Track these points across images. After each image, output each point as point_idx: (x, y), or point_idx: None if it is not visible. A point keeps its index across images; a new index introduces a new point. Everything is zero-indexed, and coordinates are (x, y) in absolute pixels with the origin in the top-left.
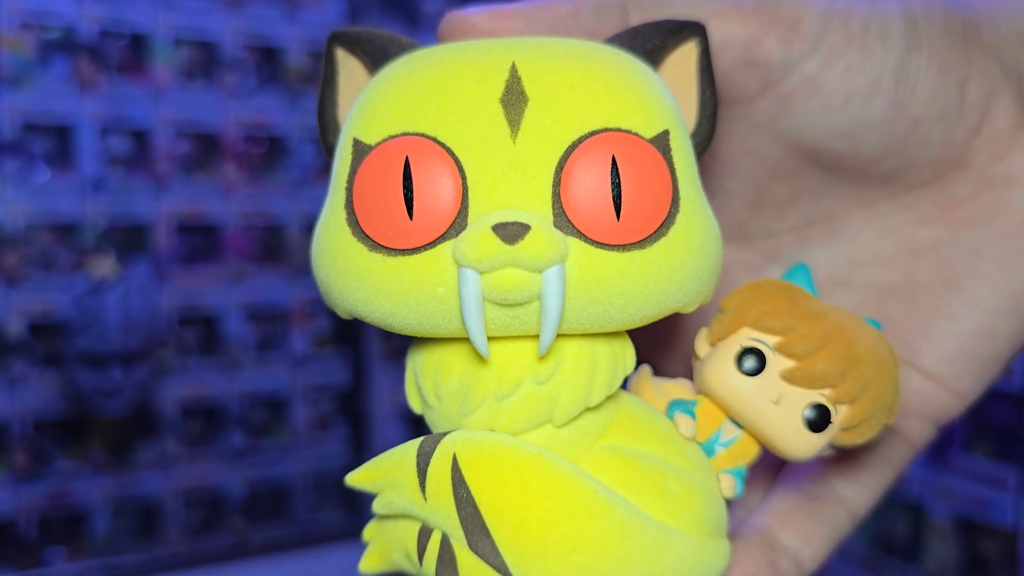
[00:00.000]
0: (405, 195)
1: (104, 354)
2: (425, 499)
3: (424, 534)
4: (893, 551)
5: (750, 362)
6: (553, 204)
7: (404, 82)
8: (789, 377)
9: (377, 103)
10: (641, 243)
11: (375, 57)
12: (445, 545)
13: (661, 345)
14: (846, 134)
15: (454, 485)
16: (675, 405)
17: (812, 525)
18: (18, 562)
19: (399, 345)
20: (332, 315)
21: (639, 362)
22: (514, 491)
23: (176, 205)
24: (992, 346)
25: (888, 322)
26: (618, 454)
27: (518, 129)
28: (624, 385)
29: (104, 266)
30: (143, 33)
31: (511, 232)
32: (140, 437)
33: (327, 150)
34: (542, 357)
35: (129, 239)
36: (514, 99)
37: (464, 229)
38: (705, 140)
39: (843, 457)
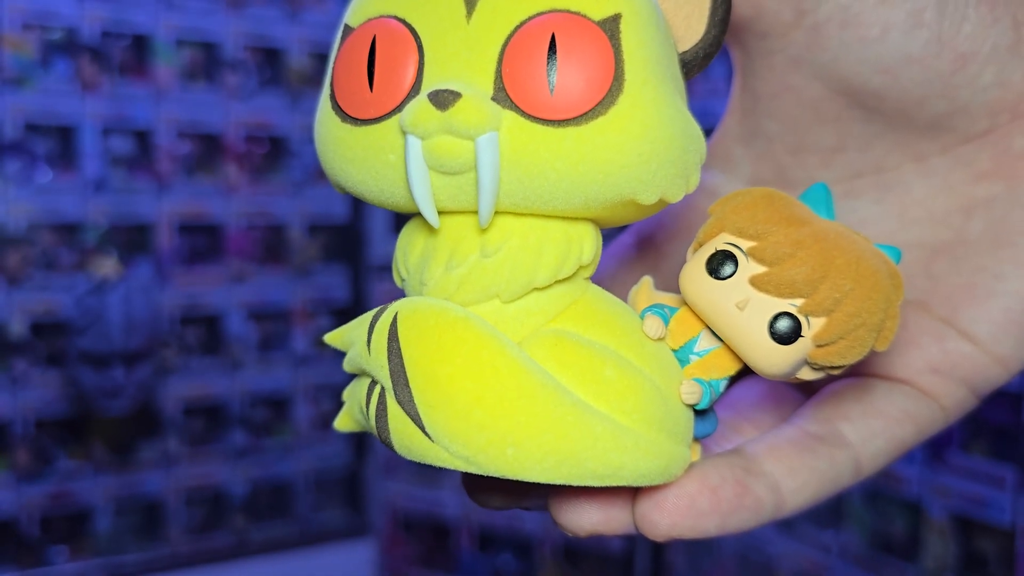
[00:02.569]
0: (368, 69)
1: (106, 354)
2: (369, 353)
3: (371, 388)
4: (891, 549)
5: (719, 265)
6: (495, 79)
7: None
8: (756, 282)
9: None
10: (576, 120)
11: None
12: (381, 397)
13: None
14: (885, 69)
15: (389, 340)
16: (649, 308)
17: (802, 459)
18: (20, 561)
19: None
20: (333, 315)
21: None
22: (432, 345)
23: (178, 205)
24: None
25: (933, 281)
26: (560, 336)
27: (473, 11)
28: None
29: (106, 266)
30: (145, 34)
31: (443, 99)
32: (142, 436)
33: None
34: (489, 231)
35: (131, 239)
36: None
37: None
38: (713, 45)
39: (855, 400)
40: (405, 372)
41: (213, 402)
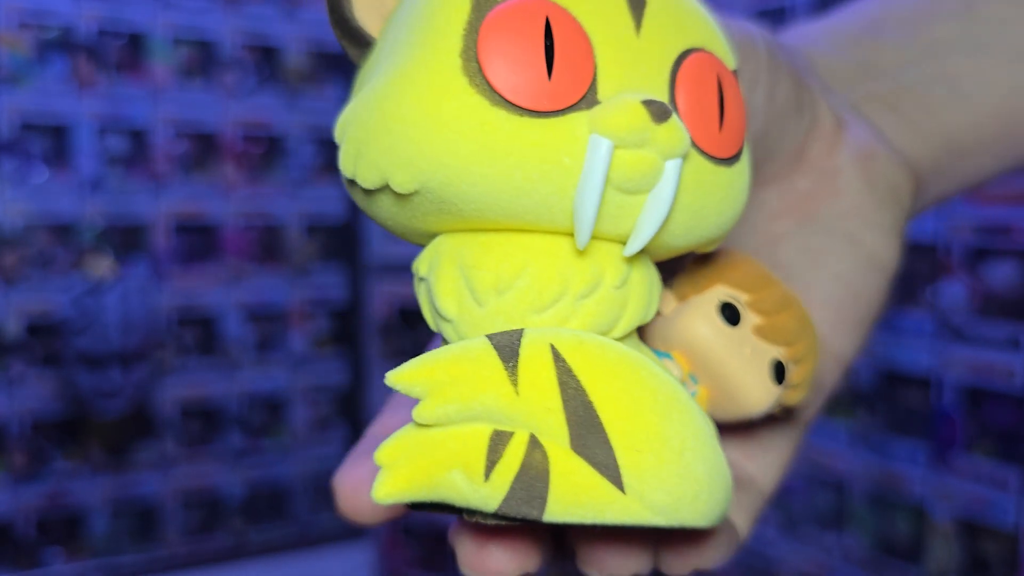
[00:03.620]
0: (546, 53)
1: (103, 354)
2: (518, 391)
3: (499, 439)
4: (894, 552)
5: (733, 314)
6: (671, 104)
7: None
8: (759, 331)
9: None
10: (728, 160)
11: None
12: (534, 447)
13: None
14: None
15: (559, 377)
16: (656, 354)
17: (740, 500)
18: (16, 563)
19: (399, 345)
20: (331, 315)
21: None
22: (628, 383)
23: (175, 205)
24: (857, 310)
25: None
26: (623, 345)
27: (641, 25)
28: None
29: (102, 266)
30: (141, 32)
31: (660, 110)
32: (139, 437)
33: (338, 23)
34: (625, 260)
35: (128, 239)
36: (637, 1)
37: (596, 103)
38: None
39: (743, 437)
40: (596, 415)
41: (210, 403)
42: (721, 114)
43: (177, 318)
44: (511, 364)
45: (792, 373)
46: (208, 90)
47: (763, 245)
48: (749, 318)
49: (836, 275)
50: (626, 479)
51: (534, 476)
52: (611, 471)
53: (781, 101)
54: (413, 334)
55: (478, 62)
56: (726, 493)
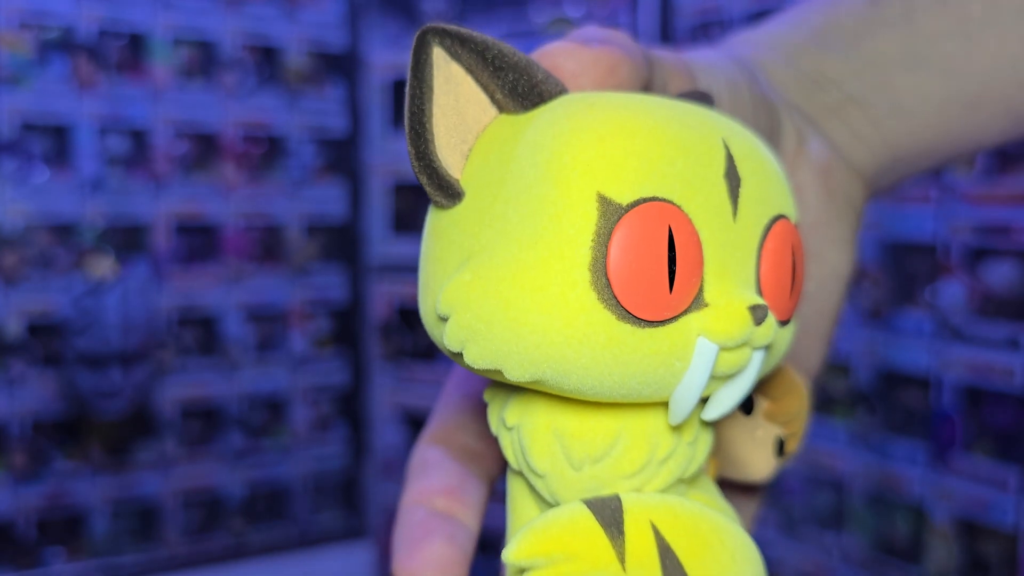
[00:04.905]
0: (670, 268)
1: (103, 355)
2: (625, 568)
3: None
4: (894, 552)
5: (752, 404)
6: (756, 286)
7: (643, 140)
8: (768, 415)
9: (620, 158)
10: (789, 320)
11: (513, 79)
12: None
13: None
14: None
15: (660, 552)
16: None
17: None
18: (17, 563)
19: (399, 346)
20: (331, 316)
21: None
22: (714, 549)
23: (175, 205)
24: (822, 324)
25: None
26: (700, 505)
27: (736, 210)
28: None
29: (103, 266)
30: (142, 33)
31: (761, 314)
32: (139, 438)
33: (425, 170)
34: (696, 421)
35: (128, 239)
36: (734, 178)
37: (704, 304)
38: None
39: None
40: None
41: (210, 404)
42: (793, 282)
43: (177, 318)
44: (618, 542)
45: (788, 445)
46: (208, 90)
47: None
48: (761, 404)
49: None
50: None
51: None
52: None
53: (759, 133)
54: (413, 334)
55: (607, 278)
56: None
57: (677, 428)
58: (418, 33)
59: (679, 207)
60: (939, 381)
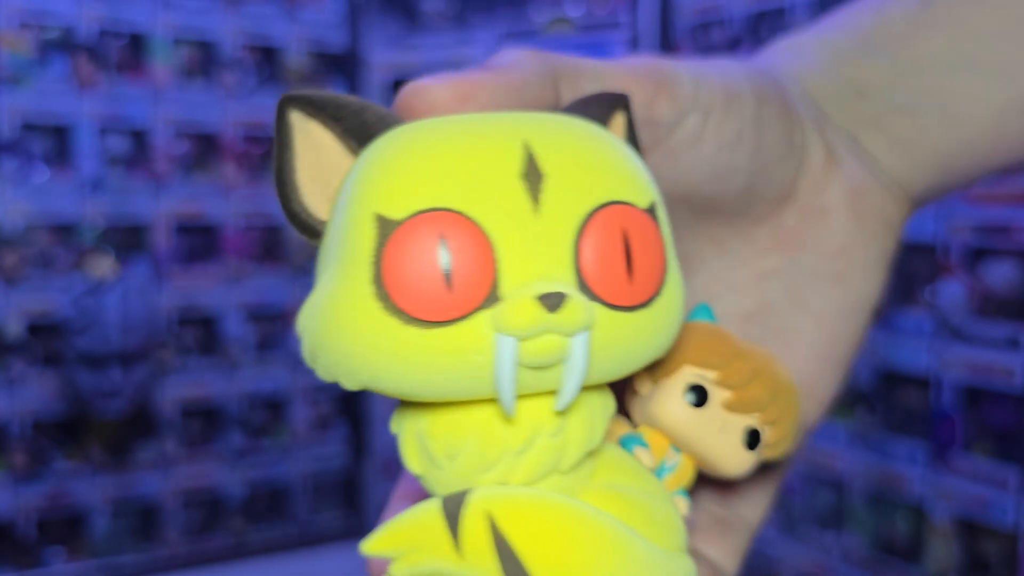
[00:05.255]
0: (443, 270)
1: (103, 354)
2: (462, 557)
3: None
4: (894, 552)
5: (698, 396)
6: (575, 274)
7: (422, 157)
8: (730, 406)
9: (397, 178)
10: (646, 304)
11: (349, 124)
12: None
13: None
14: (718, 178)
15: (495, 540)
16: (629, 440)
17: (727, 540)
18: (17, 562)
19: None
20: None
21: None
22: (554, 540)
23: (175, 205)
24: (838, 351)
25: (749, 342)
26: (612, 490)
27: (539, 202)
28: None
29: (103, 266)
30: (142, 32)
31: (553, 301)
32: (139, 437)
33: (291, 216)
34: (555, 412)
35: (128, 239)
36: (532, 175)
37: (498, 299)
38: None
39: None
40: (526, 571)
41: (210, 403)
42: (629, 265)
43: (177, 318)
44: (455, 533)
45: (768, 435)
46: (208, 90)
47: (750, 281)
48: (717, 395)
49: (819, 317)
50: None
51: None
52: None
53: (768, 149)
54: None
55: (385, 288)
56: None
57: (532, 422)
58: (278, 102)
59: (460, 213)
60: (939, 381)
